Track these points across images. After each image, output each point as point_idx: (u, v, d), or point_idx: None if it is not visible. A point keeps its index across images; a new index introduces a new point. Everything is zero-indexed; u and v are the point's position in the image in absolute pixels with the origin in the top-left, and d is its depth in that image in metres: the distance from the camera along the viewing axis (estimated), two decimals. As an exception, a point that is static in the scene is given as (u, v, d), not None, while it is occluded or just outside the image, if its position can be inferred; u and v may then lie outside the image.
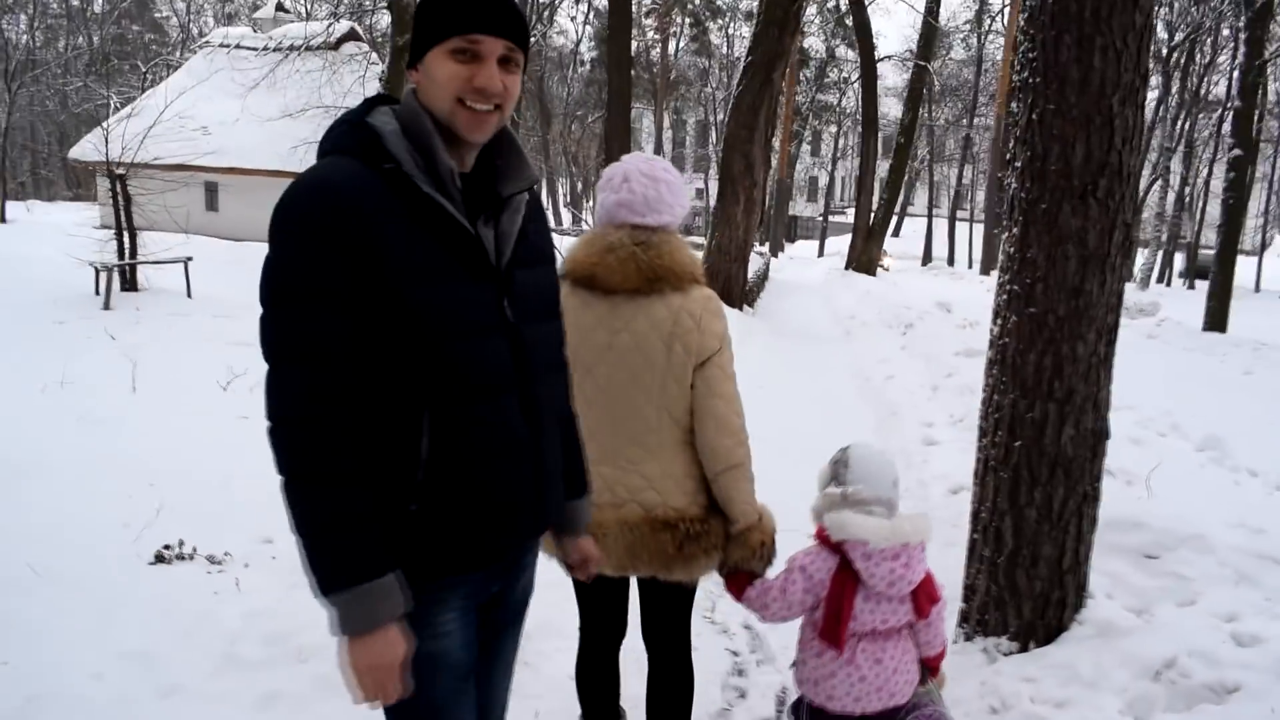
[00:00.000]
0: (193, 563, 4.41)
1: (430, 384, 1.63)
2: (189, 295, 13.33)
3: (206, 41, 29.88)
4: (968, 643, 3.62)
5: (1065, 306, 3.25)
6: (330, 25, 21.72)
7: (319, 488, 1.56)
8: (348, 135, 1.65)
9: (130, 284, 13.46)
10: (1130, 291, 30.54)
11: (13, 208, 28.52)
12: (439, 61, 1.63)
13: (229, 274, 14.98)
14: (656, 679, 2.69)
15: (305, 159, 18.89)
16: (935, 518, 5.27)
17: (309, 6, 38.24)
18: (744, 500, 2.44)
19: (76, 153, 24.62)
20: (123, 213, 13.58)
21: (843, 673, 2.40)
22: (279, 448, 1.58)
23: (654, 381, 2.38)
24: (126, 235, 13.53)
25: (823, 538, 2.45)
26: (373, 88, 16.00)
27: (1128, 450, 5.28)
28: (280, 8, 30.46)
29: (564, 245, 2.57)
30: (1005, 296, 3.42)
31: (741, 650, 3.91)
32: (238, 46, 26.52)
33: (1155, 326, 17.56)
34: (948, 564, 4.42)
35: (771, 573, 2.52)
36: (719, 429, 2.39)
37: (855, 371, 10.60)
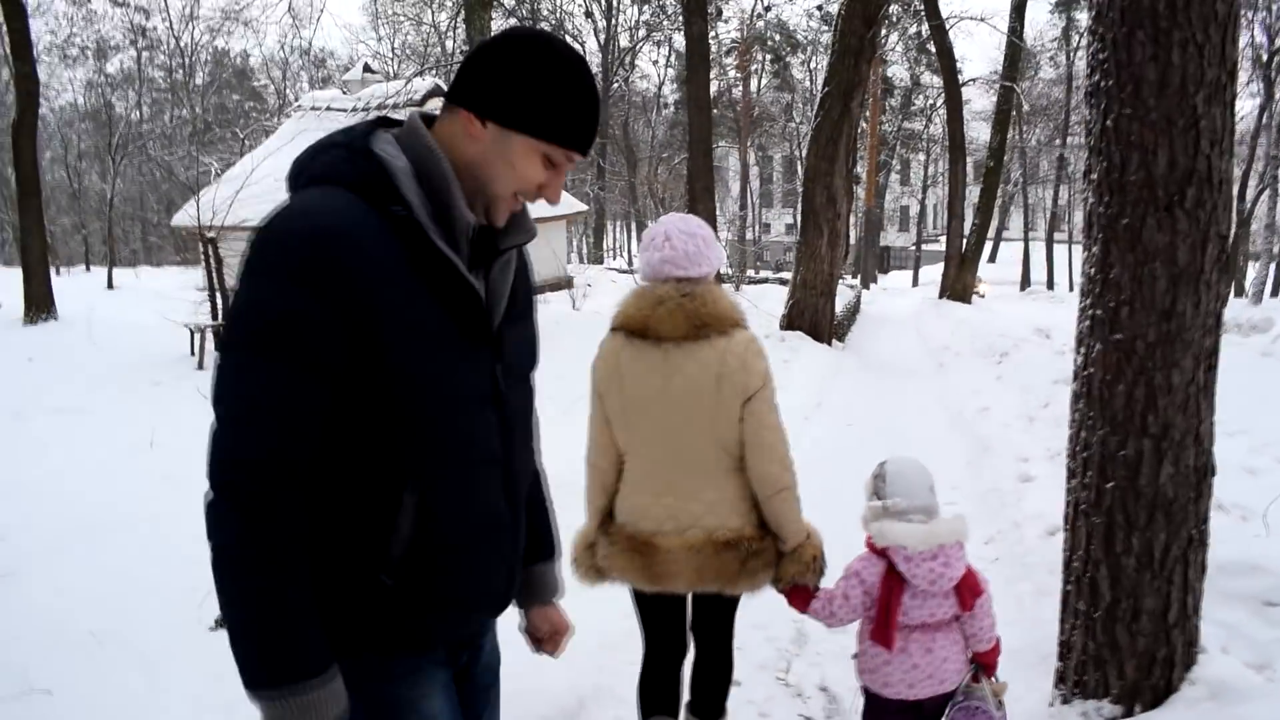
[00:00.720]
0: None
1: (417, 457, 1.49)
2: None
3: (299, 105, 30.86)
4: (1065, 705, 3.27)
5: (1155, 331, 2.93)
6: (409, 82, 22.09)
7: (259, 570, 1.38)
8: (346, 163, 1.46)
9: (224, 345, 13.80)
10: (1242, 307, 29.12)
11: (121, 274, 29.81)
12: (528, 154, 1.50)
13: None
14: (701, 663, 2.96)
15: None
16: (1029, 563, 4.94)
17: (396, 67, 39.35)
18: (793, 520, 2.71)
19: (178, 219, 25.45)
20: (214, 274, 13.98)
21: (896, 662, 2.66)
22: (217, 515, 1.39)
23: (706, 418, 2.61)
24: (220, 296, 13.91)
25: (871, 546, 2.71)
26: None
27: (1241, 481, 4.82)
28: (368, 69, 31.33)
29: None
30: (1088, 323, 3.11)
31: (817, 716, 3.62)
32: (328, 109, 27.30)
33: (1270, 344, 16.58)
34: (1043, 615, 4.07)
35: (826, 584, 2.78)
36: (769, 458, 2.64)
37: (947, 404, 10.16)
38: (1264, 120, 34.02)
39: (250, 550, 1.38)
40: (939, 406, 10.12)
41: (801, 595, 2.77)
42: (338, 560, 1.49)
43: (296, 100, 40.71)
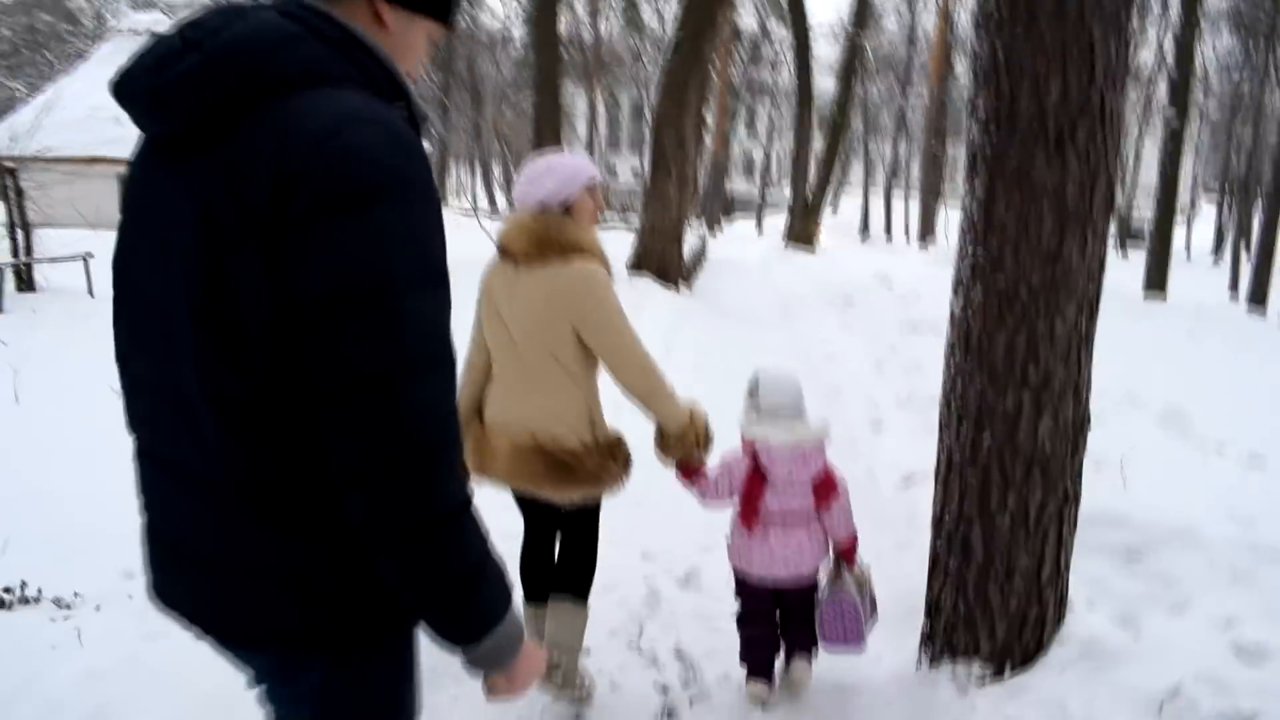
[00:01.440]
0: (38, 606, 3.77)
1: None
2: (91, 294, 12.63)
3: (115, 28, 28.62)
4: (934, 669, 3.12)
5: (1040, 276, 2.75)
6: None
7: (472, 518, 1.29)
8: (345, 60, 1.29)
9: (27, 284, 12.69)
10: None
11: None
12: (423, 37, 1.43)
13: None
14: (562, 552, 3.13)
15: None
16: (888, 515, 4.84)
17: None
18: (668, 413, 2.91)
19: (-16, 147, 23.45)
20: (15, 209, 12.74)
21: (761, 547, 3.02)
22: (427, 481, 1.22)
23: (538, 332, 2.80)
24: (21, 232, 12.70)
25: (744, 444, 3.05)
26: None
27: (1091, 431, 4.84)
28: (198, -17, 29.20)
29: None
30: (969, 267, 2.91)
31: (673, 685, 3.37)
32: (149, 32, 25.26)
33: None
34: (905, 569, 3.94)
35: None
36: (626, 368, 2.82)
37: (796, 351, 10.09)
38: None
39: (465, 497, 1.28)
40: (788, 352, 10.00)
41: (687, 469, 3.06)
42: None
43: (113, 22, 37.71)
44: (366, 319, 1.16)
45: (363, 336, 1.16)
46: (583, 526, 3.05)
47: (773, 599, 3.13)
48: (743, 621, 3.22)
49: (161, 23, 25.94)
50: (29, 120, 24.61)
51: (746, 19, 47.06)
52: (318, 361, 1.19)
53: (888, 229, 48.65)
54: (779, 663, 3.20)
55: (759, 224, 50.28)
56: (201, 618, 1.38)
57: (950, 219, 47.31)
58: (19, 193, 12.89)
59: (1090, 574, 3.38)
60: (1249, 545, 3.54)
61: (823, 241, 27.74)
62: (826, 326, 11.17)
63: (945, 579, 3.09)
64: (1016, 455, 2.87)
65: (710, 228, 38.37)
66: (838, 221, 49.34)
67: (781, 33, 45.33)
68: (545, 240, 2.77)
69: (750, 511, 3.00)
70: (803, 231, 26.20)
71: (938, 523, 3.14)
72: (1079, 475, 2.98)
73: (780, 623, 3.19)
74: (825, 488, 3.03)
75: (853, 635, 3.11)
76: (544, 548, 3.18)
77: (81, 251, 13.01)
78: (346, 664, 1.37)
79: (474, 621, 1.30)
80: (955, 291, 3.01)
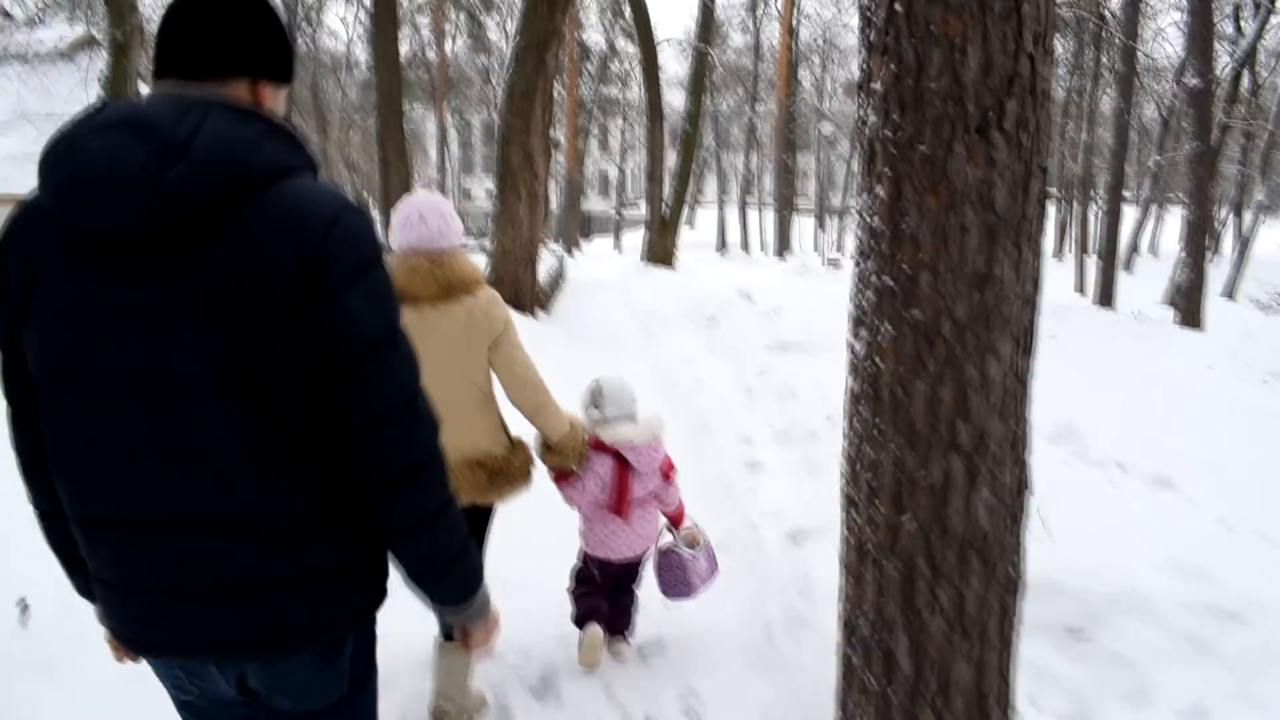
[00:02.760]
0: None
1: None
2: None
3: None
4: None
5: (967, 305, 2.08)
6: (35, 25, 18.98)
7: (454, 508, 1.60)
8: (298, 150, 1.51)
9: None
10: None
11: None
12: (282, 100, 1.60)
13: None
14: None
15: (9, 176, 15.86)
16: (774, 579, 4.15)
17: (40, 14, 34.09)
18: (554, 427, 3.27)
19: None
20: None
21: (622, 533, 3.45)
22: (435, 480, 1.55)
23: (458, 364, 3.02)
24: None
25: (597, 444, 3.42)
26: (95, 91, 13.62)
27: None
28: (4, 14, 26.95)
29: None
30: (873, 295, 2.21)
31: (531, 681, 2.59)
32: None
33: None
34: (803, 658, 3.26)
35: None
36: (522, 384, 3.14)
37: (661, 376, 9.41)
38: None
39: (450, 489, 1.59)
40: (652, 378, 9.31)
41: (564, 476, 3.42)
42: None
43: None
44: (390, 359, 1.47)
45: (390, 373, 1.48)
46: (479, 531, 3.17)
47: (611, 575, 3.56)
48: (580, 594, 3.59)
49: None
50: None
51: (594, 36, 46.79)
52: (355, 400, 1.45)
53: (744, 242, 48.89)
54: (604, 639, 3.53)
55: (617, 242, 49.93)
56: (223, 644, 1.52)
57: (803, 229, 48.18)
58: None
59: (1030, 659, 2.75)
60: (1205, 606, 2.97)
61: (681, 257, 27.33)
62: (691, 347, 10.53)
63: (863, 698, 2.39)
64: (947, 538, 2.19)
65: (568, 248, 37.75)
66: (695, 236, 49.36)
67: (629, 49, 45.18)
68: (450, 281, 2.99)
69: (623, 502, 3.42)
70: (661, 248, 25.73)
71: (849, 626, 2.44)
72: (1020, 553, 2.32)
73: (610, 598, 3.60)
74: (666, 466, 3.58)
75: (682, 586, 3.64)
76: None
77: None
78: (361, 633, 1.67)
79: (470, 581, 1.66)
80: (855, 327, 2.32)
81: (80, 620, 2.22)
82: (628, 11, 38.05)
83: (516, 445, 3.20)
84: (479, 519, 3.17)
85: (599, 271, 25.81)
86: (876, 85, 2.12)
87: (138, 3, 13.06)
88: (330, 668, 1.63)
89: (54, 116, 14.34)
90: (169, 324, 1.38)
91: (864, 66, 2.18)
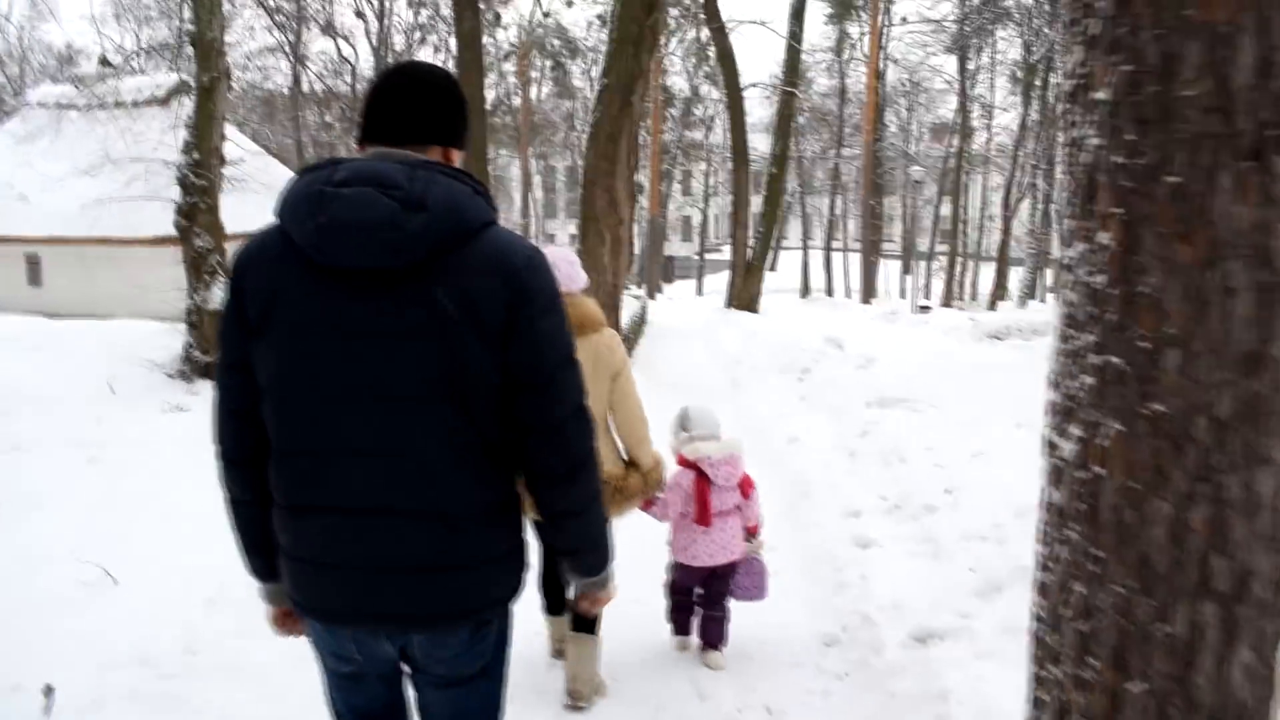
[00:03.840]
0: None
1: None
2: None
3: (27, 103, 27.22)
4: None
5: (1231, 395, 1.51)
6: (103, 72, 19.35)
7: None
8: (492, 205, 1.80)
9: None
10: (1012, 311, 30.01)
11: None
12: (461, 157, 1.93)
13: (46, 359, 12.74)
14: None
15: (128, 221, 15.93)
16: (900, 692, 3.50)
17: (141, 62, 35.20)
18: (647, 458, 3.67)
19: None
20: None
21: (703, 539, 3.87)
22: (595, 471, 1.88)
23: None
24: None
25: (682, 461, 3.93)
26: (182, 135, 13.63)
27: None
28: (105, 63, 27.77)
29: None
30: (1091, 379, 1.64)
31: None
32: (56, 105, 23.84)
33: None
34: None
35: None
36: (632, 418, 3.60)
37: (751, 430, 8.78)
38: (1023, 131, 35.48)
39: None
40: (742, 432, 8.74)
41: (649, 502, 3.78)
42: None
43: (14, 101, 35.98)
44: (571, 376, 1.82)
45: (570, 387, 1.82)
46: None
47: (699, 580, 3.96)
48: (674, 590, 4.05)
49: (69, 95, 24.41)
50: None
51: (678, 81, 46.70)
52: (545, 406, 1.79)
53: (828, 287, 48.04)
54: (699, 645, 4.03)
55: (699, 286, 49.51)
56: (406, 616, 1.81)
57: (889, 273, 47.12)
58: None
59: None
60: None
61: (764, 302, 26.73)
62: (782, 400, 9.92)
63: None
64: (1191, 712, 1.60)
65: (650, 292, 37.43)
66: (777, 280, 48.66)
67: (713, 94, 44.95)
68: (579, 320, 3.31)
69: (704, 512, 3.81)
70: (745, 292, 25.16)
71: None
72: (1280, 724, 1.71)
73: (700, 609, 4.03)
74: (746, 484, 3.96)
75: (760, 589, 4.09)
76: (560, 573, 3.75)
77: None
78: (505, 614, 1.97)
79: (610, 552, 2.00)
80: (1062, 420, 1.74)
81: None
82: (712, 56, 37.94)
83: (630, 468, 3.65)
84: None
85: (682, 316, 25.36)
86: (1100, 94, 1.56)
87: (224, 49, 13.02)
88: (480, 642, 1.92)
89: (142, 161, 14.39)
90: (400, 342, 1.69)
91: (1078, 71, 1.62)
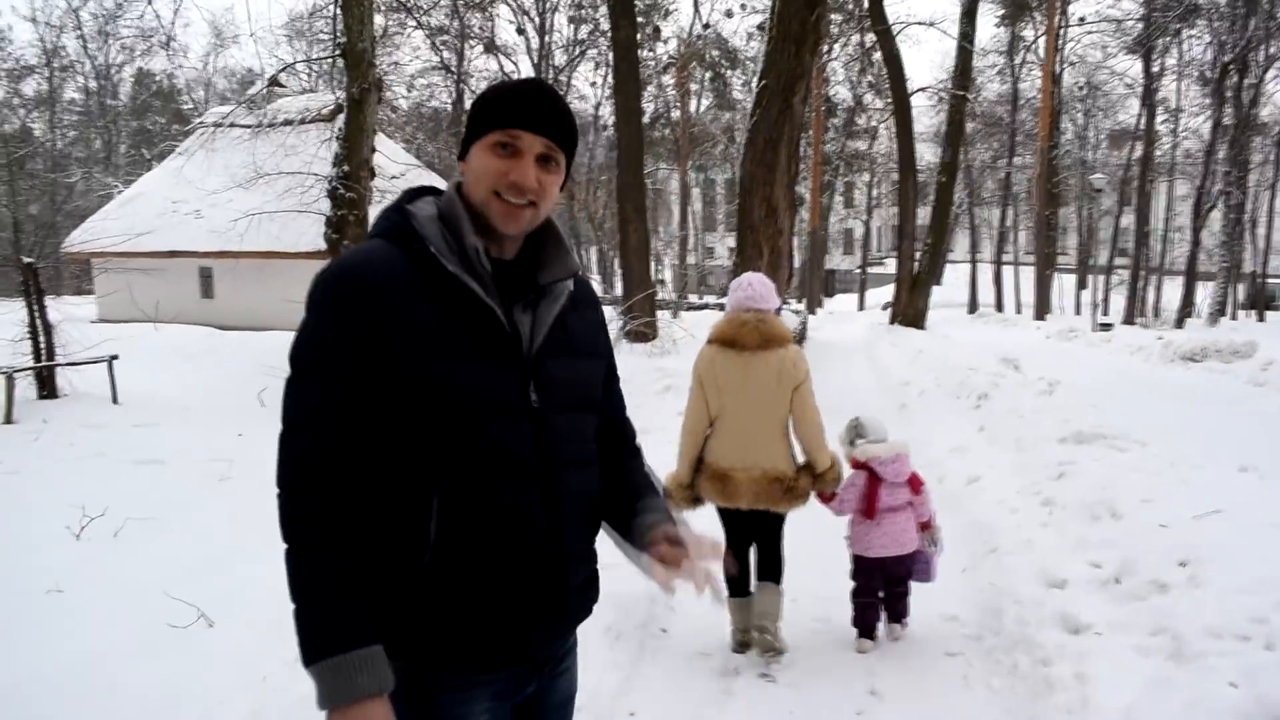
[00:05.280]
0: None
1: (440, 464, 1.64)
2: (115, 400, 11.38)
3: (200, 122, 28.51)
4: None
5: None
6: (261, 90, 19.67)
7: (305, 555, 1.58)
8: (383, 220, 1.73)
9: (49, 390, 11.33)
10: (1203, 330, 27.54)
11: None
12: (480, 154, 1.70)
13: (202, 369, 13.33)
14: (761, 558, 4.37)
15: (289, 235, 16.16)
16: None
17: (313, 82, 36.41)
18: (824, 460, 4.26)
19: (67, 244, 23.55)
20: (35, 309, 11.44)
21: (876, 532, 4.31)
22: (279, 513, 1.60)
23: (768, 400, 4.16)
24: (42, 334, 11.36)
25: (855, 464, 4.41)
26: (334, 148, 13.55)
27: None
28: (275, 83, 28.76)
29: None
30: None
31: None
32: (230, 125, 24.78)
33: (1260, 371, 14.67)
34: None
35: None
36: (811, 425, 4.21)
37: (922, 465, 7.79)
38: (1217, 136, 32.77)
39: (300, 537, 1.59)
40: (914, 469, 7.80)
41: (827, 497, 4.35)
42: (382, 563, 1.63)
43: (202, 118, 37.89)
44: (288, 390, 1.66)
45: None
46: (777, 532, 4.35)
47: (880, 572, 4.38)
48: (857, 595, 4.41)
49: (240, 115, 25.30)
50: (110, 216, 24.25)
51: (840, 91, 45.36)
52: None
53: (998, 302, 45.70)
54: (881, 626, 4.46)
55: (861, 300, 48.04)
56: (570, 610, 1.82)
57: (1064, 288, 44.39)
58: (39, 292, 11.59)
59: None
60: None
61: (930, 318, 25.29)
62: (958, 432, 8.88)
63: None
64: None
65: (811, 307, 36.32)
66: (943, 295, 46.65)
67: (876, 103, 43.47)
68: (770, 335, 4.16)
69: (872, 507, 4.30)
70: (911, 308, 23.84)
71: None
72: None
73: (883, 593, 4.43)
74: (914, 482, 4.46)
75: (926, 573, 4.52)
76: (744, 553, 4.35)
77: (106, 354, 11.68)
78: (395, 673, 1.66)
79: (299, 648, 1.60)
80: None
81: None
82: (875, 64, 36.51)
83: (802, 470, 4.24)
84: (774, 524, 4.32)
85: (843, 332, 24.31)
86: None
87: (375, 60, 12.85)
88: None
89: (294, 175, 14.41)
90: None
91: None
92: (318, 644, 1.53)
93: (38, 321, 11.45)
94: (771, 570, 4.32)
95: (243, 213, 16.17)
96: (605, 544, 1.89)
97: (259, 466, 7.73)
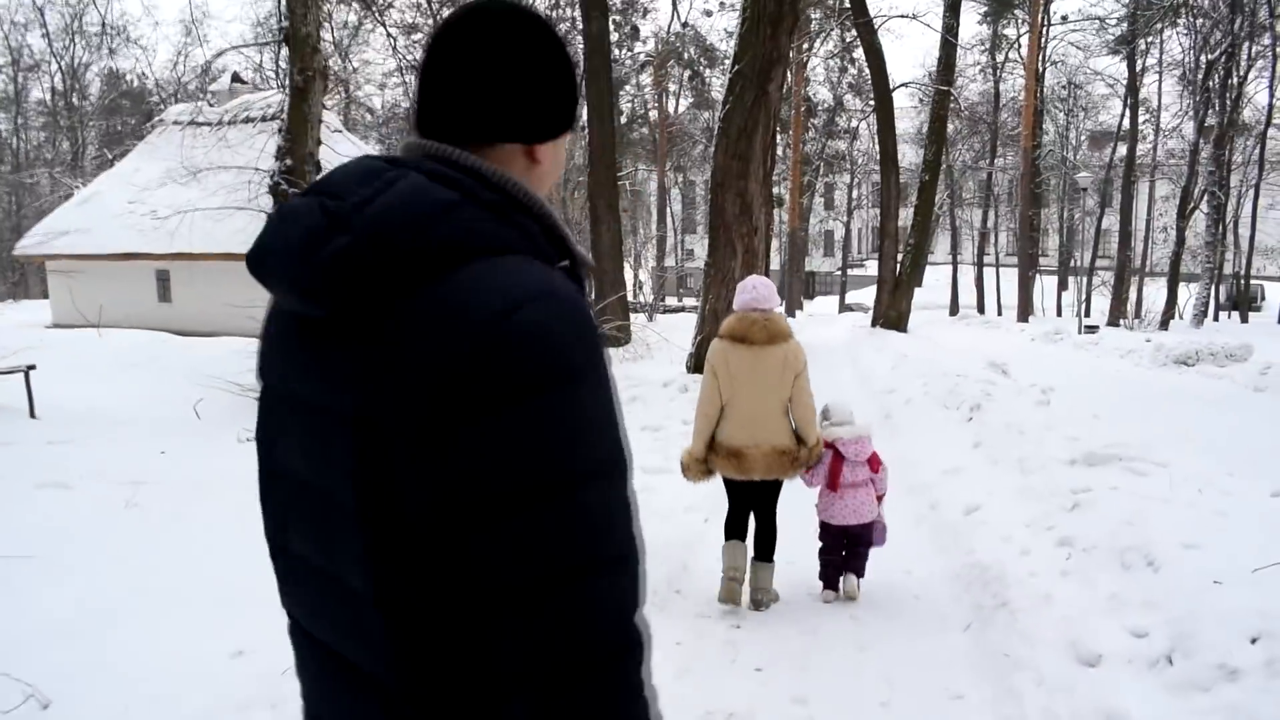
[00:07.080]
0: None
1: None
2: (32, 414, 10.37)
3: (160, 120, 27.56)
4: None
5: None
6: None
7: None
8: (508, 222, 1.11)
9: (-36, 402, 10.38)
10: (1188, 332, 26.96)
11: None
12: (562, 152, 1.28)
13: (141, 378, 12.55)
14: (758, 526, 5.03)
15: (244, 235, 15.29)
16: None
17: (279, 78, 35.41)
18: (813, 437, 4.89)
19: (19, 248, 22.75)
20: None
21: (840, 504, 4.95)
22: (603, 704, 1.04)
23: (774, 386, 4.79)
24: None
25: (827, 444, 4.98)
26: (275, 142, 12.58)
27: None
28: (237, 79, 27.78)
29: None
30: None
31: None
32: (191, 122, 23.77)
33: (1260, 376, 13.91)
34: None
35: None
36: (804, 409, 4.84)
37: (914, 490, 6.98)
38: (1200, 139, 32.18)
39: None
40: (901, 491, 6.85)
41: (809, 470, 4.94)
42: None
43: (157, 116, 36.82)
44: (543, 517, 1.02)
45: (538, 536, 1.02)
46: (775, 499, 4.99)
47: (843, 537, 5.01)
48: (822, 553, 5.08)
49: (204, 112, 24.29)
50: (66, 217, 23.29)
51: (821, 91, 44.63)
52: (490, 562, 1.04)
53: (979, 304, 45.04)
54: (841, 580, 5.06)
55: (841, 302, 47.39)
56: None
57: (1045, 290, 43.77)
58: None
59: None
60: None
61: (912, 319, 24.50)
62: (951, 448, 8.01)
63: None
64: None
65: (790, 310, 35.52)
66: (924, 296, 45.92)
67: (856, 103, 42.76)
68: (775, 332, 4.77)
69: (835, 481, 4.94)
70: (894, 310, 23.05)
71: None
72: None
73: (844, 552, 5.05)
74: (874, 461, 5.04)
75: (880, 539, 5.10)
76: (744, 516, 5.00)
77: (23, 364, 10.69)
78: None
79: None
80: None
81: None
82: (855, 64, 35.82)
83: (801, 443, 4.90)
84: (774, 490, 4.99)
85: (824, 335, 23.41)
86: None
87: (320, 45, 11.88)
88: None
89: (244, 172, 13.41)
90: (327, 430, 1.11)
91: None
92: None
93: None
94: (765, 549, 4.99)
95: (174, 209, 15.18)
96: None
97: (173, 488, 6.80)
